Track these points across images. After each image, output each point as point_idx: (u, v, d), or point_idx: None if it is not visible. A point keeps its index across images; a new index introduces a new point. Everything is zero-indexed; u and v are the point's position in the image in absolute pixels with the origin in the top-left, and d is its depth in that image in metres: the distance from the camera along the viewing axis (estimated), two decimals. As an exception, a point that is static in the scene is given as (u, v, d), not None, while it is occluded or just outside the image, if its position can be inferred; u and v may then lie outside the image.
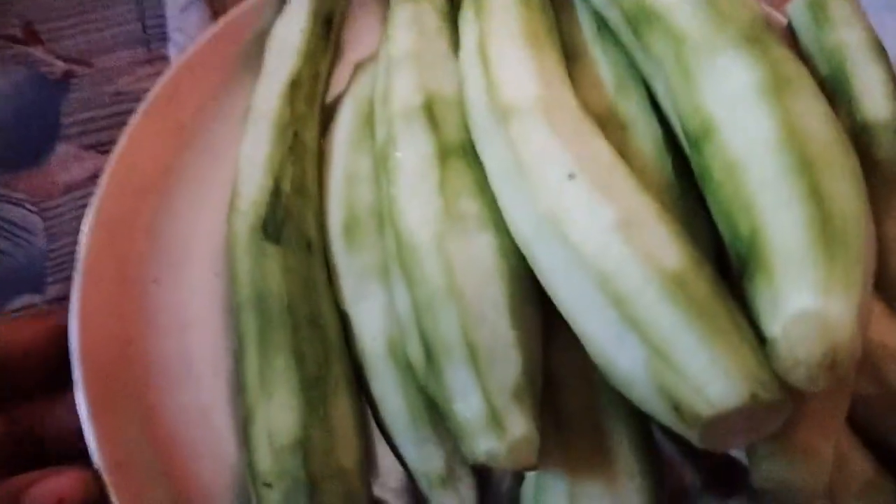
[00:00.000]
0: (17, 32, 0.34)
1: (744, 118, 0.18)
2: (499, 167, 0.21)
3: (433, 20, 0.27)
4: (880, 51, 0.28)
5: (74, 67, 0.33)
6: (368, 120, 0.27)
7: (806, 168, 0.17)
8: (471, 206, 0.22)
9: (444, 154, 0.23)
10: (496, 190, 0.21)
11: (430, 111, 0.24)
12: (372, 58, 0.30)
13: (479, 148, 0.22)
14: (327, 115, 0.30)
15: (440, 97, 0.24)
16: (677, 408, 0.16)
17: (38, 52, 0.33)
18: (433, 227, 0.21)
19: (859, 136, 0.27)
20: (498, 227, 0.21)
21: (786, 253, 0.16)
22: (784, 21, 0.31)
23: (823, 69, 0.29)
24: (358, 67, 0.30)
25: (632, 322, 0.16)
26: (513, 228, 0.20)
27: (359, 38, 0.33)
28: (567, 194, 0.18)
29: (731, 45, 0.20)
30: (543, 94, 0.21)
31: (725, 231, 0.18)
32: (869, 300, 0.16)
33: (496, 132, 0.21)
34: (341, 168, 0.27)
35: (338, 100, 0.30)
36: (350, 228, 0.26)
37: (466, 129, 0.24)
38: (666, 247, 0.17)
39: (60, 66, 0.33)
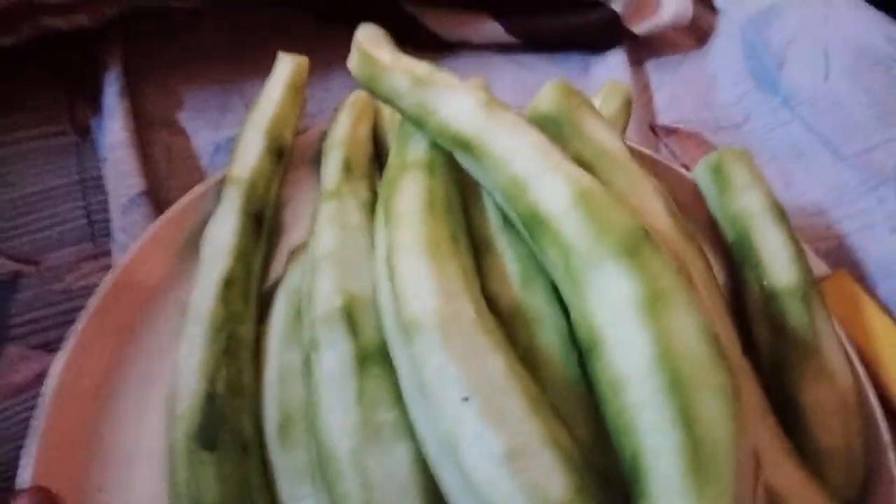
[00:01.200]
0: (-32, 235, 0.35)
1: (623, 335, 0.20)
2: (406, 383, 0.22)
3: (356, 217, 0.29)
4: (781, 215, 0.30)
5: (23, 267, 0.34)
6: (299, 313, 0.29)
7: (678, 390, 0.18)
8: (388, 415, 0.23)
9: (362, 360, 0.24)
10: (407, 403, 0.22)
11: (349, 315, 0.25)
12: (305, 245, 0.31)
13: (392, 357, 0.23)
14: (266, 301, 0.31)
15: (359, 299, 0.26)
16: None
17: (-13, 253, 0.35)
18: (352, 441, 0.22)
19: (769, 304, 0.28)
20: (415, 435, 0.22)
21: (660, 482, 0.17)
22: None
23: (730, 234, 0.31)
24: (292, 255, 0.32)
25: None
26: (421, 444, 0.21)
27: (297, 220, 0.35)
28: (461, 420, 0.19)
29: (611, 257, 0.21)
30: (442, 310, 0.22)
31: (616, 449, 0.19)
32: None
33: (402, 348, 0.22)
34: (275, 364, 0.28)
35: (275, 285, 0.32)
36: (284, 427, 0.26)
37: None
38: (552, 477, 0.18)
39: (9, 265, 0.34)
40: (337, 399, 0.23)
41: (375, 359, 0.24)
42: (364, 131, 0.34)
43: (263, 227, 0.31)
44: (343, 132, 0.33)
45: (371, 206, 0.30)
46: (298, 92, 0.34)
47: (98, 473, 0.27)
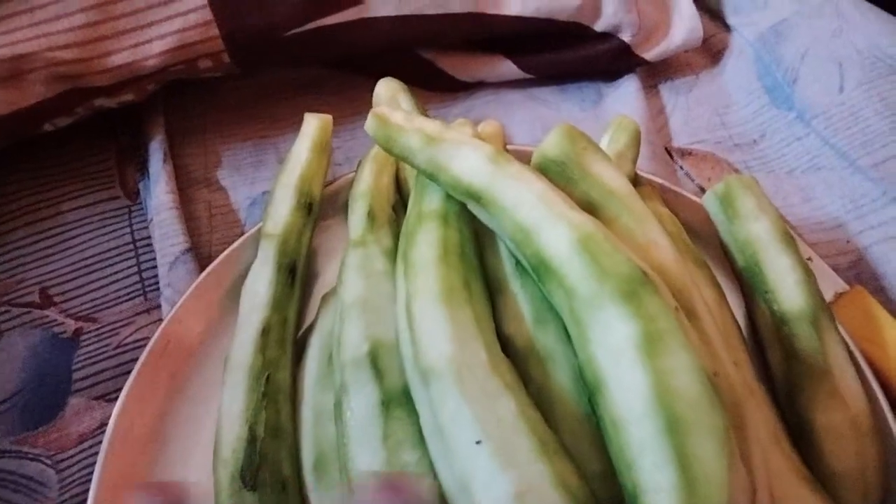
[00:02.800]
0: (35, 298, 0.39)
1: (624, 376, 0.21)
2: (425, 425, 0.24)
3: (379, 263, 0.31)
4: (788, 240, 0.31)
5: (83, 324, 0.37)
6: (331, 356, 0.31)
7: (674, 430, 0.19)
8: (411, 455, 0.24)
9: (387, 402, 0.26)
10: (427, 443, 0.24)
11: (374, 359, 0.27)
12: (335, 290, 0.34)
13: (414, 399, 0.25)
14: (301, 343, 0.33)
15: (384, 344, 0.28)
16: None
17: (52, 313, 0.38)
18: (378, 481, 0.24)
19: (780, 329, 0.29)
20: (435, 474, 0.24)
21: (657, 517, 0.18)
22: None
23: (739, 260, 0.32)
24: (324, 299, 0.34)
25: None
26: (440, 482, 0.23)
27: (329, 265, 0.38)
28: (474, 460, 0.21)
29: (610, 301, 0.22)
30: (456, 356, 0.24)
31: (621, 482, 0.20)
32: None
33: (420, 392, 0.24)
34: (310, 405, 0.30)
35: (309, 329, 0.34)
36: (319, 465, 0.28)
37: (408, 372, 0.27)
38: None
39: (71, 324, 0.38)
40: (365, 440, 0.25)
41: (399, 401, 0.26)
42: (386, 181, 0.36)
43: (296, 277, 0.34)
44: (366, 184, 0.35)
45: (394, 252, 0.32)
46: (324, 149, 0.37)
47: (155, 514, 0.30)
